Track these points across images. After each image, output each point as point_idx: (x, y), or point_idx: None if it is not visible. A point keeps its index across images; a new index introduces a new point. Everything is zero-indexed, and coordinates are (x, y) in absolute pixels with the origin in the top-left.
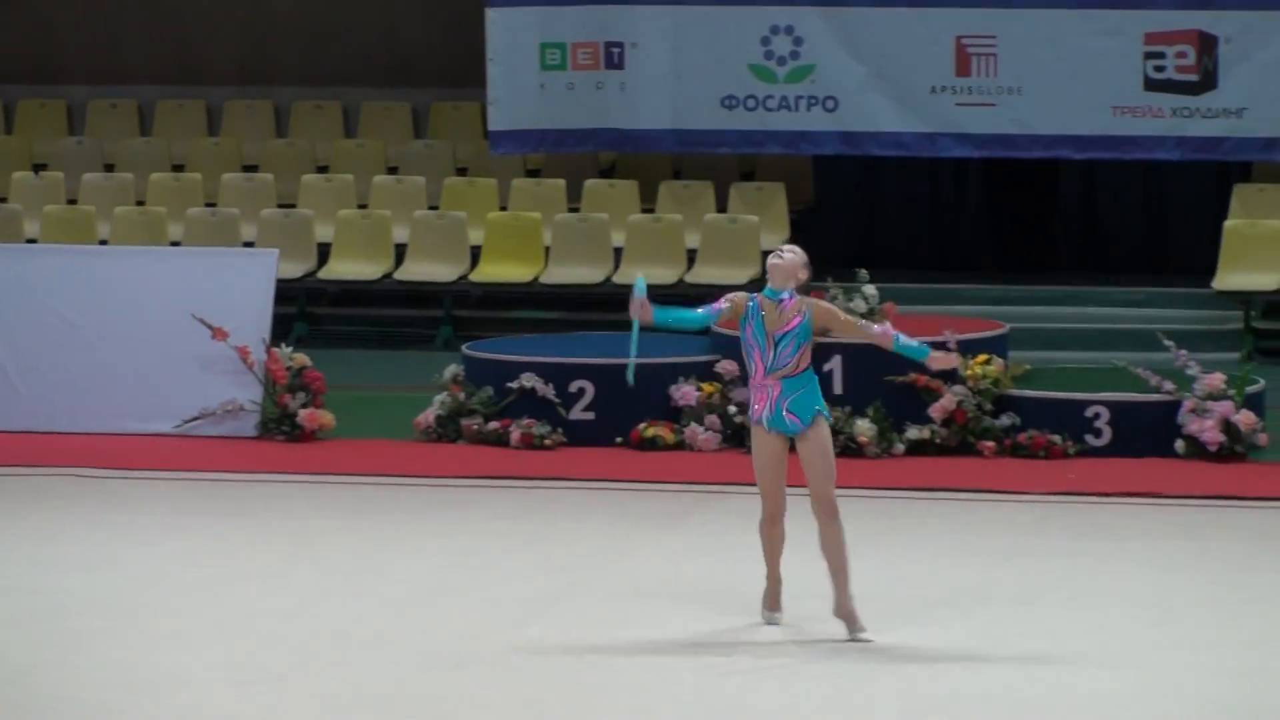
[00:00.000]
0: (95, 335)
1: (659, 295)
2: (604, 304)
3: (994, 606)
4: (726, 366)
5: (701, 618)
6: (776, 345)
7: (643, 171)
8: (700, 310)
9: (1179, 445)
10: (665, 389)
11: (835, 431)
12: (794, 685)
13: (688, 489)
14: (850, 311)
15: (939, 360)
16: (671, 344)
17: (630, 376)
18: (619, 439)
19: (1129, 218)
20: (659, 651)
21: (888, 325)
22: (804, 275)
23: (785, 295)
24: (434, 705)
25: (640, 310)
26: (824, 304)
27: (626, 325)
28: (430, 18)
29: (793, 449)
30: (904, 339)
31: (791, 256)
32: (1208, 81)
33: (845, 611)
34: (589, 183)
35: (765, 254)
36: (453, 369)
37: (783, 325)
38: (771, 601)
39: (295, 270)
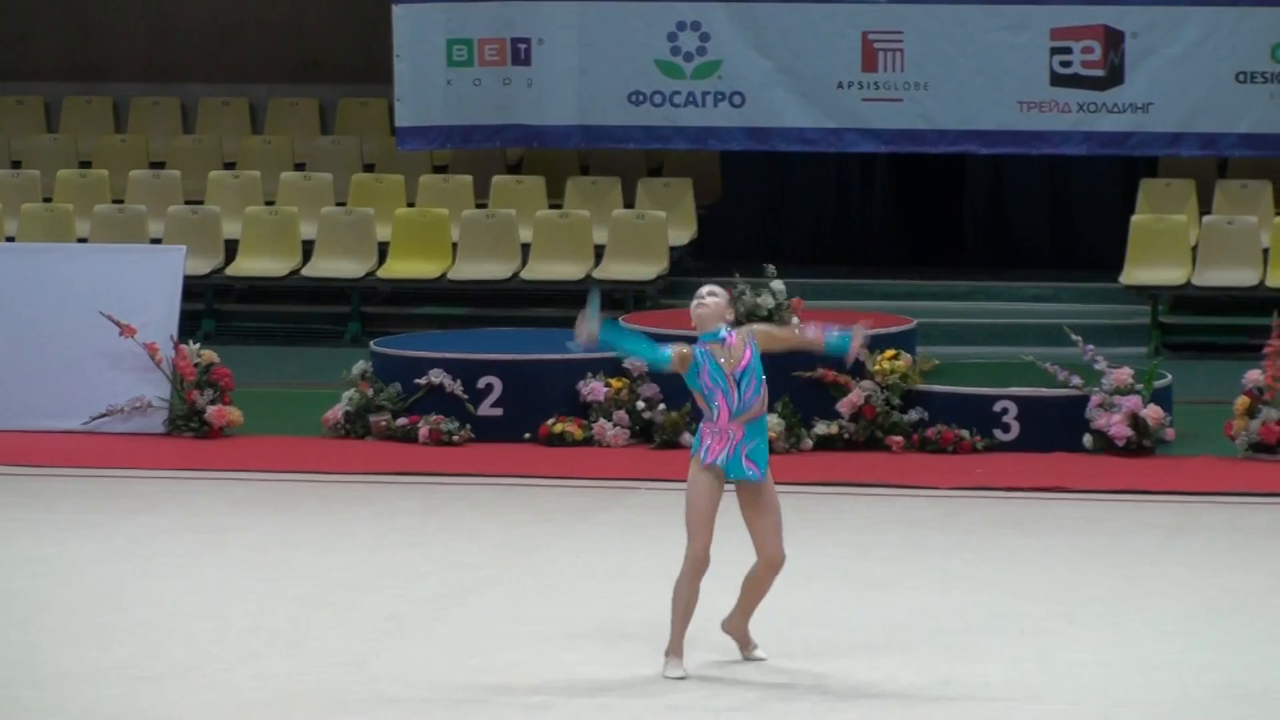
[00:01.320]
0: (2, 333)
1: (566, 291)
2: (512, 300)
3: (901, 601)
4: (635, 362)
5: (610, 613)
6: (739, 385)
7: (550, 167)
8: (656, 347)
9: (1087, 440)
10: (574, 385)
11: None
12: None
13: (596, 485)
14: (758, 309)
15: (857, 342)
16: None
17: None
18: (527, 435)
19: (1036, 213)
20: (566, 648)
21: (815, 326)
22: (730, 315)
23: (724, 333)
24: (342, 701)
25: (585, 332)
26: (759, 327)
27: (533, 322)
28: (337, 15)
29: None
30: (831, 336)
31: (714, 300)
32: (1114, 77)
33: (740, 632)
34: (496, 179)
35: (673, 250)
36: (361, 365)
37: (738, 363)
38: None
39: (203, 267)
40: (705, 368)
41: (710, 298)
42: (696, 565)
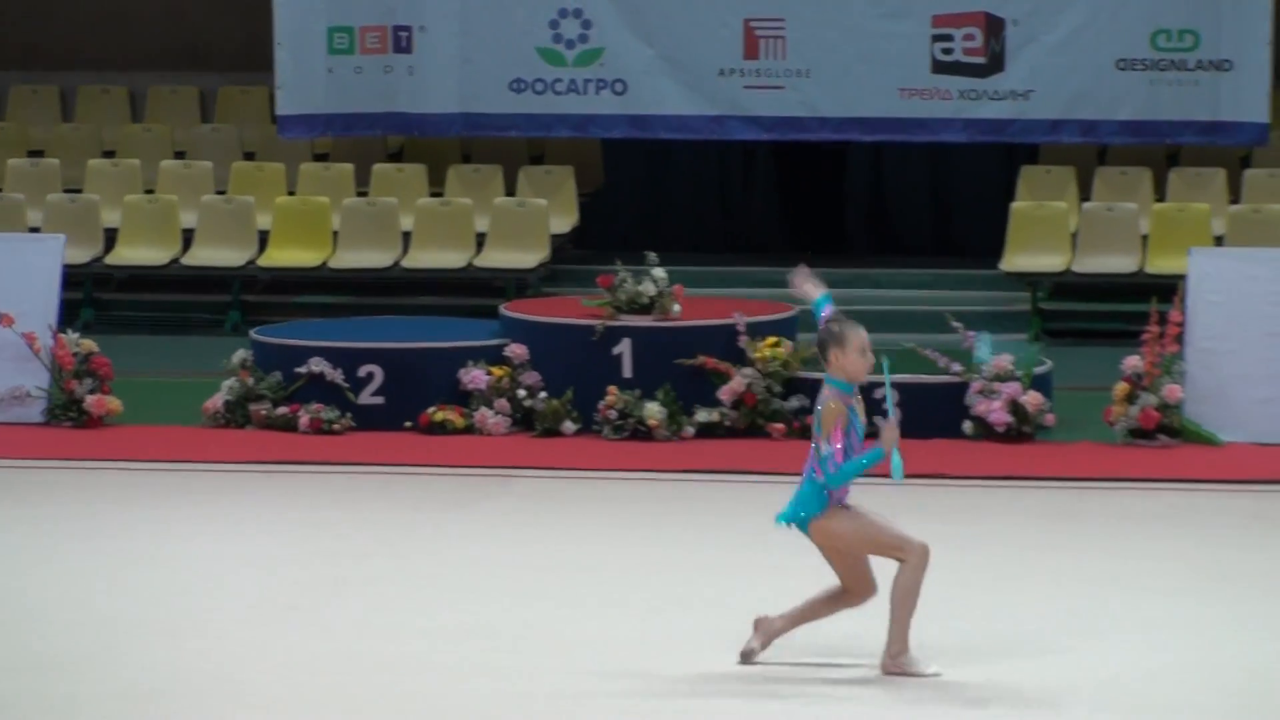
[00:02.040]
0: None
1: (447, 280)
2: (392, 288)
3: (786, 588)
4: (516, 350)
5: (490, 600)
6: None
7: (431, 155)
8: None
9: (967, 426)
10: (455, 373)
11: (625, 415)
12: (563, 657)
13: (477, 473)
14: (639, 296)
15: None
16: (459, 328)
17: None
18: (408, 423)
19: (917, 200)
20: (447, 636)
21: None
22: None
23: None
24: (238, 689)
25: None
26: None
27: (414, 310)
28: (218, 2)
29: None
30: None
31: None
32: (995, 64)
33: (772, 635)
34: (377, 167)
35: (554, 237)
36: (241, 354)
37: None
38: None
39: (82, 256)
40: (853, 421)
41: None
42: (925, 554)
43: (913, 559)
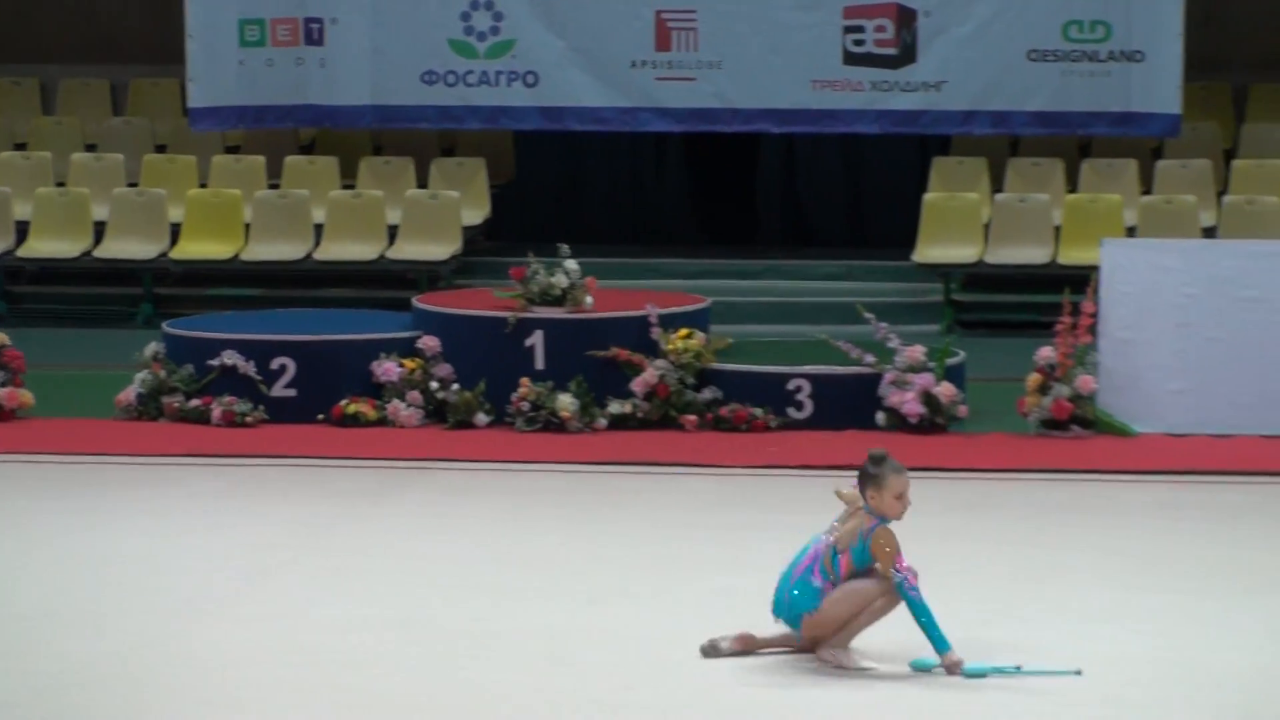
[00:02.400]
0: None
1: (359, 272)
2: (304, 281)
3: (695, 583)
4: (428, 342)
5: (405, 594)
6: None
7: (343, 148)
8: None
9: (880, 417)
10: (367, 365)
11: (538, 407)
12: (498, 647)
13: (390, 465)
14: (551, 288)
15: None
16: (372, 320)
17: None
18: (321, 416)
19: (829, 191)
20: (362, 629)
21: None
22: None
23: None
24: (144, 683)
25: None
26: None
27: (327, 302)
28: None
29: None
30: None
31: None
32: (907, 55)
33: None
34: (289, 159)
35: (466, 229)
36: (153, 347)
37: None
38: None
39: None
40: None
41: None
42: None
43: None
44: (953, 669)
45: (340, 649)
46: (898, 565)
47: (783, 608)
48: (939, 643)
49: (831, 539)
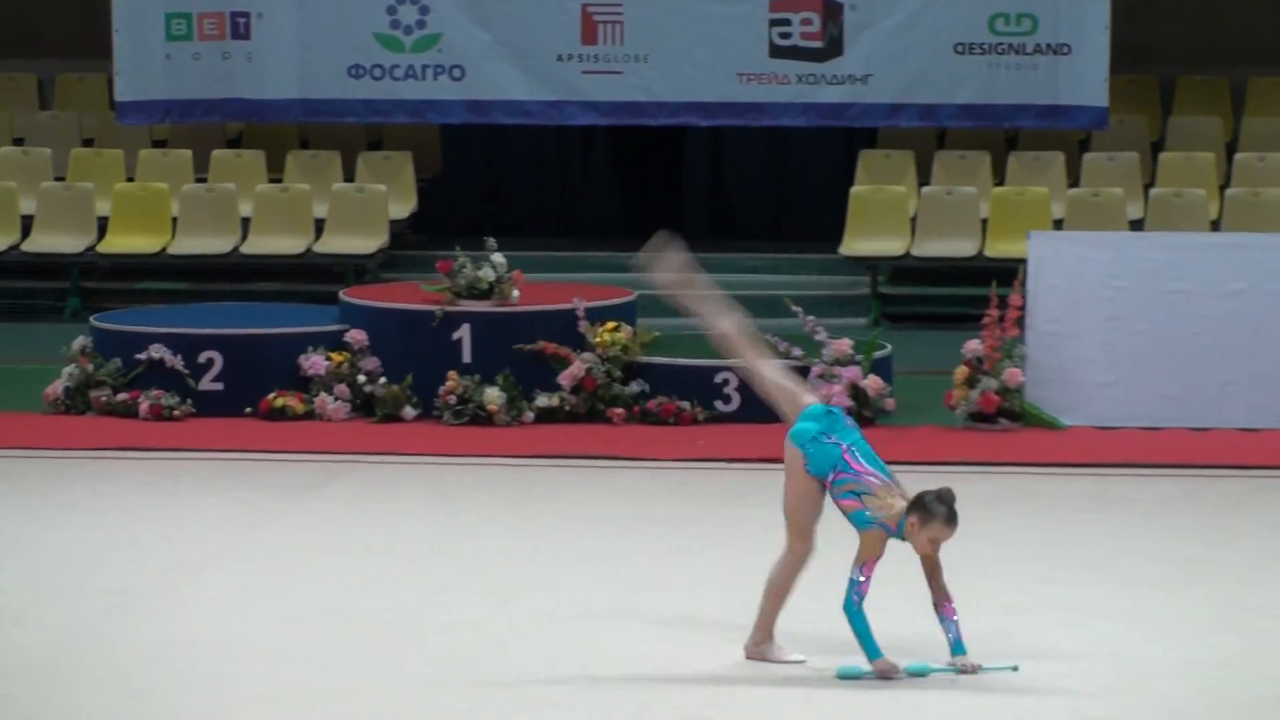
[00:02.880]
0: None
1: (287, 265)
2: (232, 274)
3: (630, 571)
4: (355, 336)
5: (334, 587)
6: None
7: (270, 141)
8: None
9: None
10: (295, 359)
11: (465, 400)
12: (426, 640)
13: (318, 459)
14: (478, 282)
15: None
16: (299, 314)
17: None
18: (248, 409)
19: (756, 184)
20: (291, 622)
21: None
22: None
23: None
24: (73, 677)
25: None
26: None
27: (254, 296)
28: None
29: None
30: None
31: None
32: (833, 48)
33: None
34: (216, 153)
35: (393, 223)
36: (81, 341)
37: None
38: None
39: None
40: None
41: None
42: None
43: (797, 553)
44: (886, 674)
45: (269, 642)
46: (866, 568)
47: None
48: (872, 651)
49: (873, 502)
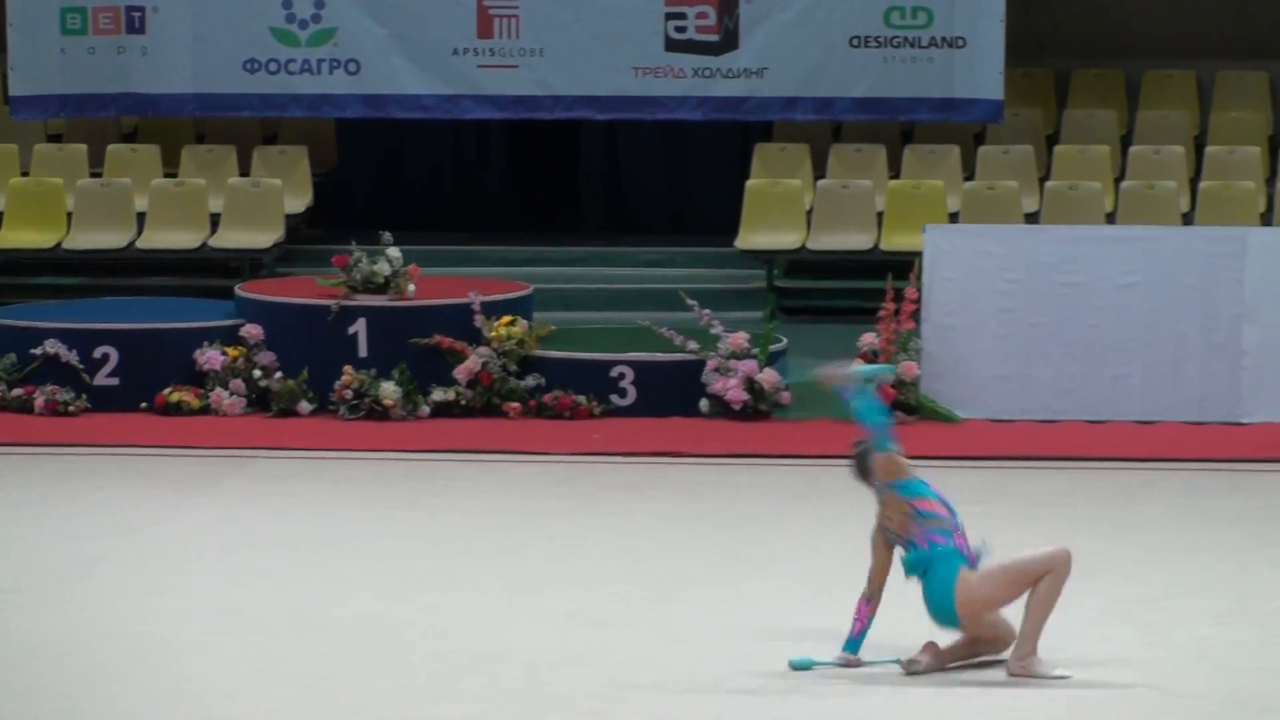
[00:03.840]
0: None
1: (182, 260)
2: (127, 269)
3: (527, 565)
4: (251, 330)
5: (232, 582)
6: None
7: (165, 136)
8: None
9: (703, 404)
10: (190, 354)
11: (361, 395)
12: (321, 635)
13: (214, 454)
14: (374, 276)
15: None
16: (195, 309)
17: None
18: (144, 404)
19: (652, 178)
20: (186, 617)
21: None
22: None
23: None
24: None
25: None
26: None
27: (150, 291)
28: None
29: None
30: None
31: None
32: (729, 42)
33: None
34: (111, 147)
35: (289, 217)
36: None
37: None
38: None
39: None
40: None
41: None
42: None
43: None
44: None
45: (164, 637)
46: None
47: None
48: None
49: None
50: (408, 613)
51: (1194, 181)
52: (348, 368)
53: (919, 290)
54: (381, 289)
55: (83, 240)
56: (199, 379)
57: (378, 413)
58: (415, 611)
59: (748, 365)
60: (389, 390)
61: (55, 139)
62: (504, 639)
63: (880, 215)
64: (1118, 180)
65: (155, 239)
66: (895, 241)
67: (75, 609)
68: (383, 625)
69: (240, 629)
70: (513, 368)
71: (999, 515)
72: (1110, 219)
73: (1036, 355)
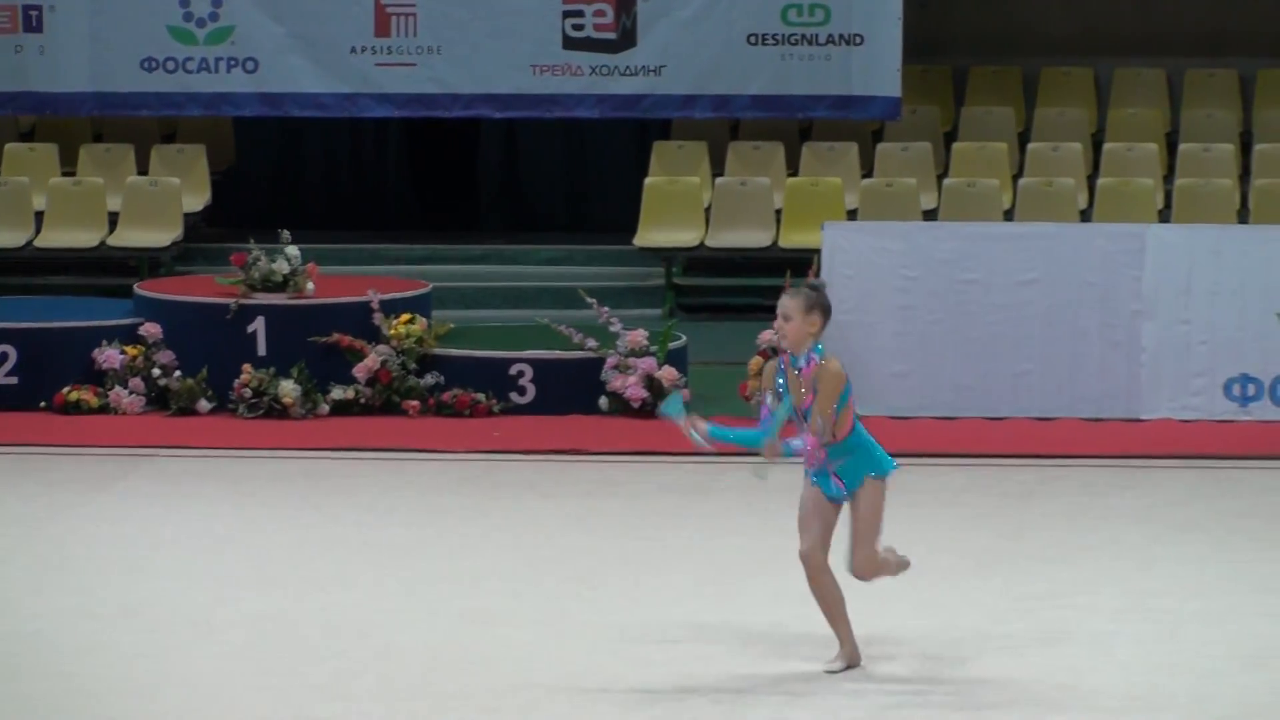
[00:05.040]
0: None
1: (80, 259)
2: (25, 268)
3: (424, 564)
4: (150, 329)
5: (130, 582)
6: (805, 418)
7: (63, 135)
8: (759, 426)
9: (603, 402)
10: (89, 352)
11: (260, 393)
12: (218, 635)
13: (113, 452)
14: (272, 274)
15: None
16: (93, 308)
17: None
18: (43, 403)
19: (550, 176)
20: (83, 616)
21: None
22: (816, 323)
23: (803, 361)
24: None
25: (691, 432)
26: (829, 379)
27: (48, 290)
28: None
29: None
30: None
31: (789, 323)
32: (627, 39)
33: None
34: (9, 146)
35: (187, 216)
36: None
37: (802, 401)
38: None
39: None
40: (779, 387)
41: (784, 321)
42: (804, 566)
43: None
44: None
45: (62, 636)
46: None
47: (828, 481)
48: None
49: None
50: (304, 611)
51: (1092, 178)
52: (246, 366)
53: None
54: (280, 287)
55: None
56: (98, 378)
57: (277, 411)
58: (311, 610)
59: (647, 363)
60: (288, 389)
61: None
62: (400, 637)
63: (779, 213)
64: (1016, 177)
65: (53, 238)
66: (794, 239)
67: None
68: (278, 624)
69: (136, 628)
70: (412, 366)
71: (897, 513)
72: (1009, 216)
73: (935, 352)
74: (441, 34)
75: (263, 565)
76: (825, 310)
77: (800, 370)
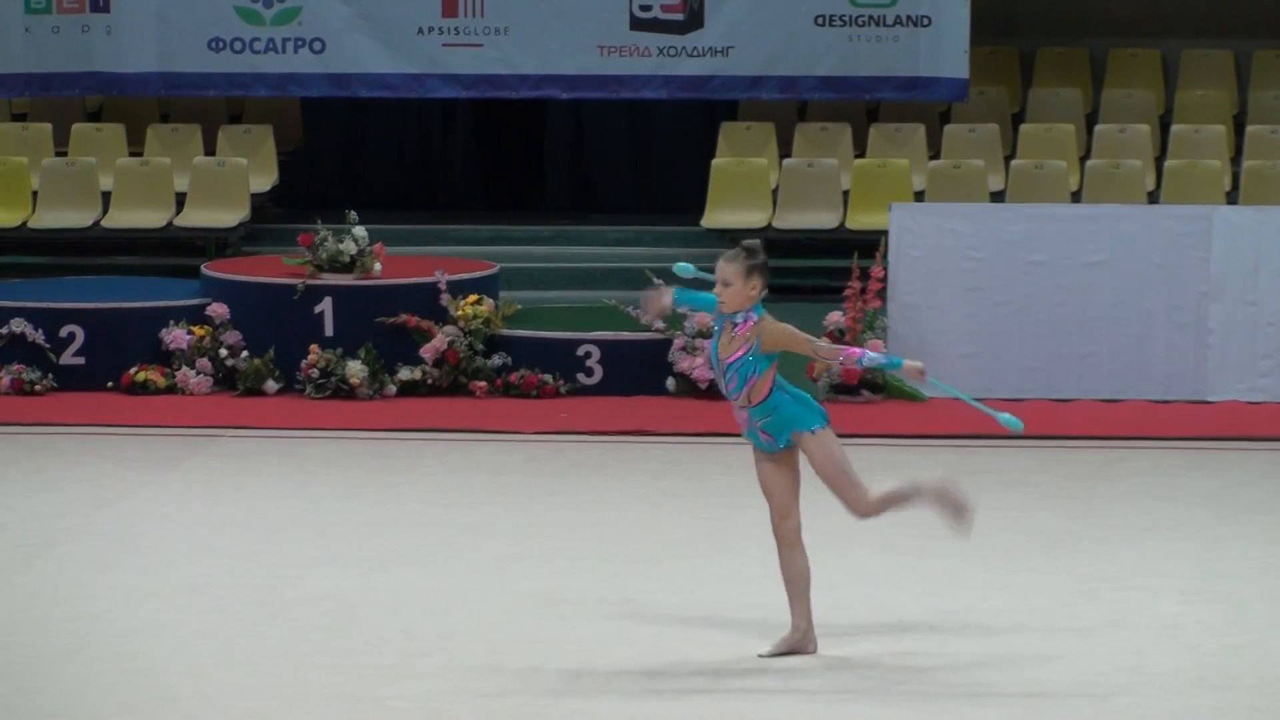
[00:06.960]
0: None
1: (148, 239)
2: (93, 249)
3: (491, 544)
4: (217, 309)
5: (194, 561)
6: (725, 374)
7: (130, 115)
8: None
9: (670, 383)
10: (156, 333)
11: (327, 374)
12: (284, 614)
13: (181, 433)
14: (339, 255)
15: (912, 369)
16: (160, 288)
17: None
18: (110, 384)
19: (618, 157)
20: (149, 596)
21: (849, 348)
22: (756, 285)
23: (740, 318)
24: None
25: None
26: (775, 328)
27: (115, 270)
28: None
29: None
30: (871, 355)
31: (728, 289)
32: (694, 20)
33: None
34: (76, 127)
35: (254, 196)
36: None
37: (729, 354)
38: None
39: None
40: (709, 346)
41: (724, 287)
42: (772, 526)
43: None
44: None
45: (126, 616)
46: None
47: (756, 436)
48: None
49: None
50: (370, 591)
51: (1159, 160)
52: (314, 347)
53: (885, 269)
54: (347, 268)
55: (48, 219)
56: (165, 358)
57: (344, 391)
58: (378, 590)
59: None
60: (355, 369)
61: (20, 118)
62: (467, 618)
63: (846, 194)
64: (1083, 159)
65: (121, 218)
66: (861, 220)
67: (37, 588)
68: (345, 604)
69: (202, 607)
70: (479, 347)
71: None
72: (1076, 198)
73: (1002, 334)
74: (509, 15)
75: (329, 546)
76: (764, 272)
77: (736, 326)
